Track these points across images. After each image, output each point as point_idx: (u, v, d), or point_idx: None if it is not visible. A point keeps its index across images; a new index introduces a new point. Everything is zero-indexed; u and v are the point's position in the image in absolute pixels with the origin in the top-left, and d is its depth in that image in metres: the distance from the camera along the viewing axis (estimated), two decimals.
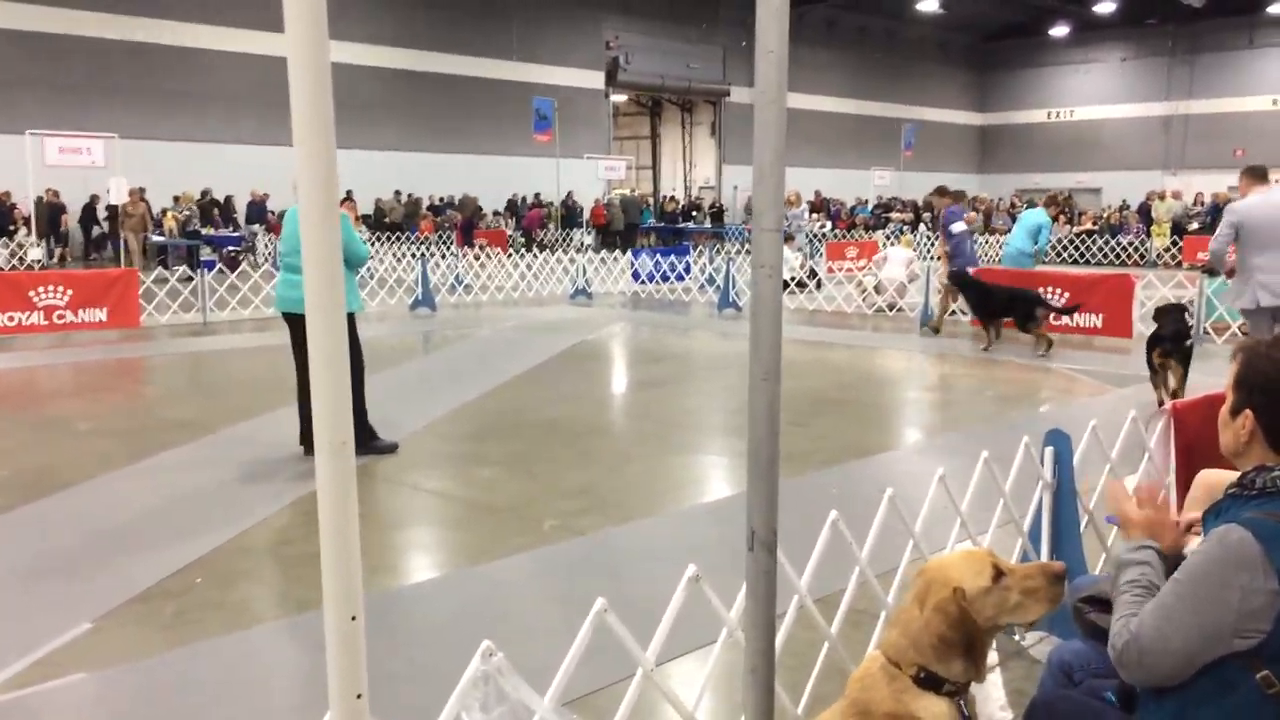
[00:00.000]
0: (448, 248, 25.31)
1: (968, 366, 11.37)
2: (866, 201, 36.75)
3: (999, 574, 2.28)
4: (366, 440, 6.93)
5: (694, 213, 37.04)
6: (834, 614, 3.44)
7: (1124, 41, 44.38)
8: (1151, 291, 13.71)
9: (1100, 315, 12.87)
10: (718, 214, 36.95)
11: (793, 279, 17.64)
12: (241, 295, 15.25)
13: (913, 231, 28.23)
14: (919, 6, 41.18)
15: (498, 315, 15.86)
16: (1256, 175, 7.98)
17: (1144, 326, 12.62)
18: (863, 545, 3.51)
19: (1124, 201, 34.99)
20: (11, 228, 23.35)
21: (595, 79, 37.17)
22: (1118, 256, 28.01)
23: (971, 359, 11.81)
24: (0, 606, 4.51)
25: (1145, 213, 31.24)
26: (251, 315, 15.03)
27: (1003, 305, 12.23)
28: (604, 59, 37.43)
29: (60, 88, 25.44)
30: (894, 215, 33.58)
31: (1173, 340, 8.68)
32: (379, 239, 26.94)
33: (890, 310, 15.76)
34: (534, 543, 5.37)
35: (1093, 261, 27.79)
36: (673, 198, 39.71)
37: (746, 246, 28.38)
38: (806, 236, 24.82)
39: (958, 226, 13.98)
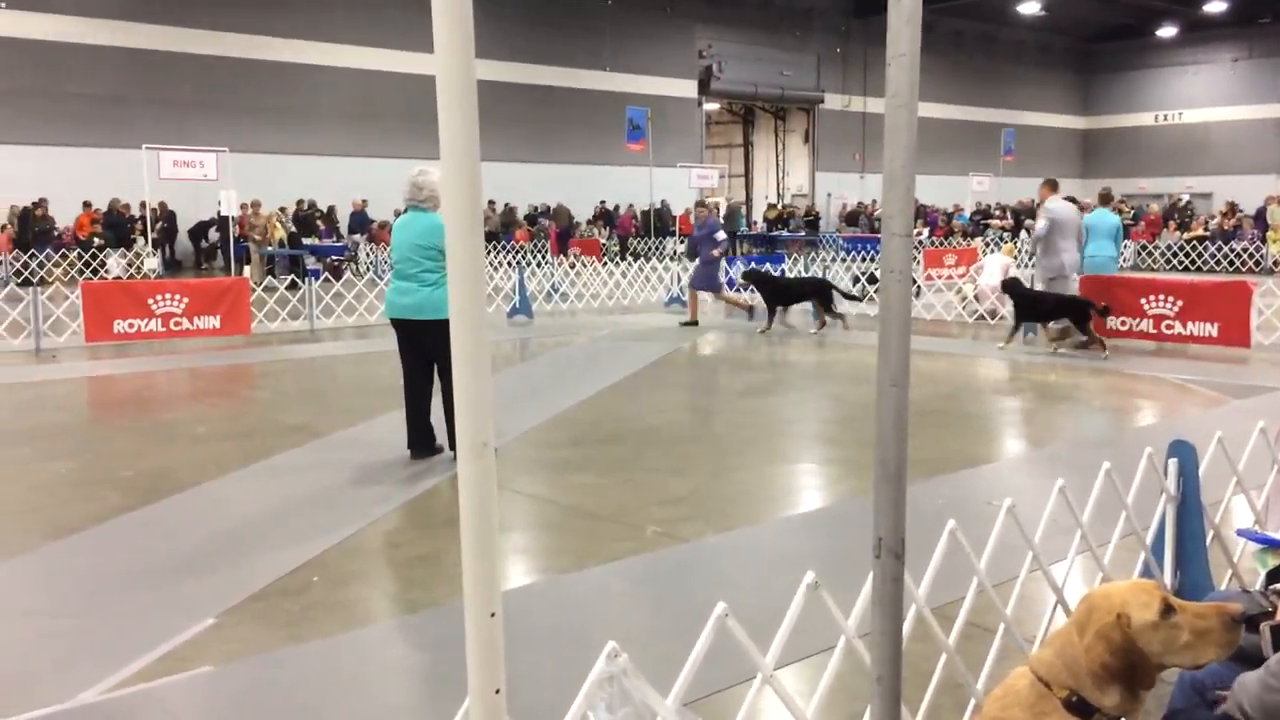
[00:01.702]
0: (543, 256, 25.61)
1: (1075, 376, 11.08)
2: (962, 209, 36.09)
3: (1168, 609, 2.17)
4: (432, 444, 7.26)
5: (789, 220, 36.80)
6: (947, 625, 3.38)
7: (1236, 41, 42.88)
8: (1270, 299, 13.19)
9: (1216, 324, 12.42)
10: (811, 221, 36.66)
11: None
12: (346, 303, 15.67)
13: (1013, 238, 27.62)
14: (1019, 9, 40.36)
15: (593, 323, 15.99)
16: None
17: (1263, 336, 12.17)
18: (978, 556, 3.45)
19: (1232, 205, 33.71)
20: (130, 239, 24.36)
21: (688, 88, 37.27)
22: (1231, 263, 27.05)
23: (1078, 368, 11.50)
24: (128, 601, 4.70)
25: (1261, 217, 30.07)
26: (355, 322, 15.42)
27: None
28: (697, 68, 37.51)
29: (174, 104, 26.48)
30: (993, 222, 32.88)
31: None
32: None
33: (991, 318, 15.45)
34: (636, 549, 5.40)
35: (1204, 269, 26.86)
36: (772, 205, 39.49)
37: (842, 254, 28.11)
38: None
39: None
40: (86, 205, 24.91)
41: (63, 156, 24.95)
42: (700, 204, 17.68)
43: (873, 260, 20.11)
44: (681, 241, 32.37)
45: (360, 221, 28.24)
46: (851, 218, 36.62)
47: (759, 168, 44.71)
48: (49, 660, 4.08)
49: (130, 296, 13.61)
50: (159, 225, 24.09)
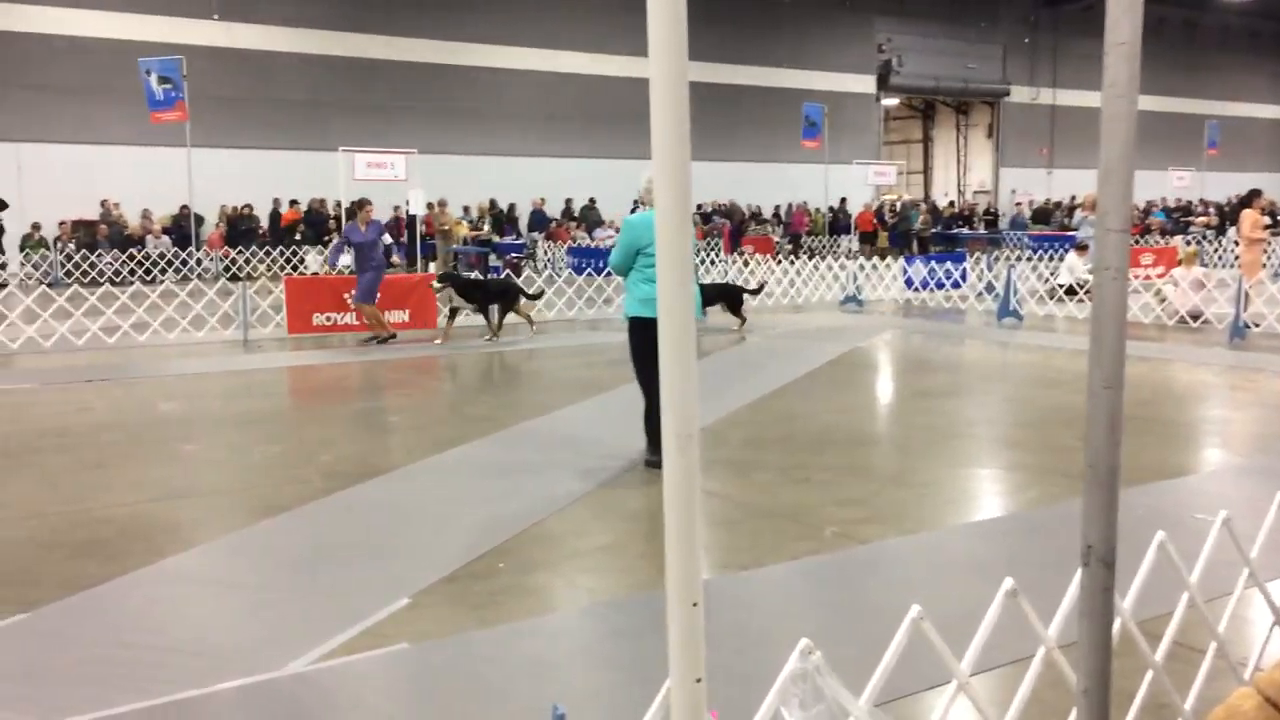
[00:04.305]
0: (716, 254, 25.65)
1: None
2: (1159, 205, 34.12)
3: None
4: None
5: (971, 218, 35.67)
6: (1151, 642, 3.22)
7: None
8: None
9: None
10: (993, 219, 35.41)
11: (1081, 285, 16.70)
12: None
13: (1218, 236, 25.94)
14: None
15: (766, 322, 15.91)
16: None
17: None
18: (1188, 570, 3.27)
19: None
20: (326, 238, 25.75)
21: (866, 83, 36.61)
22: None
23: None
24: (331, 578, 4.98)
25: None
26: (534, 318, 15.82)
27: None
28: (875, 62, 36.80)
29: (368, 108, 27.83)
30: (1196, 220, 30.94)
31: None
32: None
33: (1194, 321, 14.57)
34: (815, 549, 5.36)
35: None
36: (952, 203, 38.39)
37: (1027, 253, 27.07)
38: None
39: None
40: (293, 203, 26.54)
41: (267, 159, 26.62)
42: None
43: (1060, 259, 19.25)
44: (866, 240, 31.92)
45: (539, 220, 29.01)
46: (1040, 215, 35.15)
47: (938, 164, 43.51)
48: (262, 630, 4.37)
49: (328, 291, 14.39)
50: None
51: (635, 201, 24.11)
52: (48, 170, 24.56)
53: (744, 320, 14.98)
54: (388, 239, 14.48)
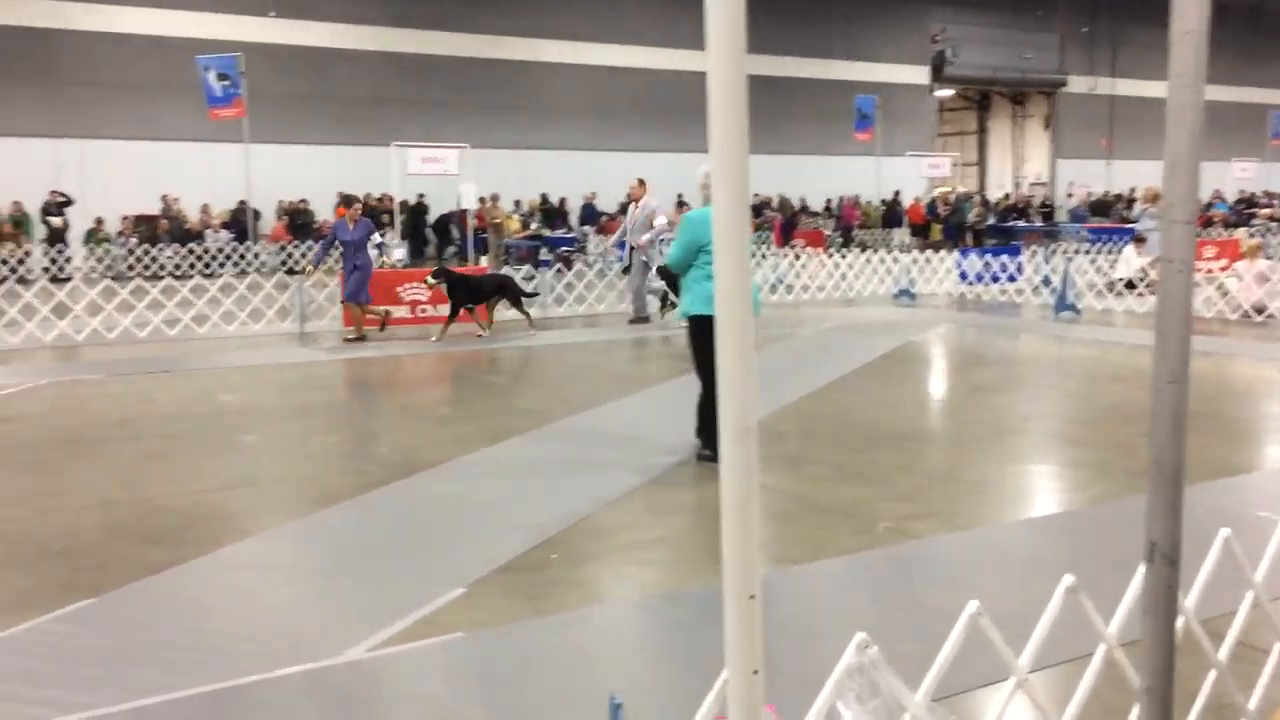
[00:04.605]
0: (766, 248, 25.54)
1: None
2: (1222, 197, 33.37)
3: None
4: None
5: (1026, 210, 35.14)
6: (1214, 641, 3.17)
7: None
8: None
9: None
10: (1050, 211, 34.87)
11: (1142, 279, 16.42)
12: (576, 293, 16.18)
13: None
14: None
15: (818, 316, 15.82)
16: None
17: None
18: (1252, 569, 3.21)
19: None
20: (380, 231, 26.05)
21: (919, 74, 36.21)
22: None
23: None
24: (388, 567, 5.05)
25: None
26: (585, 311, 15.90)
27: None
28: (929, 53, 36.37)
29: (422, 103, 28.08)
30: (1260, 212, 30.21)
31: None
32: None
33: (1258, 315, 14.25)
34: (869, 543, 5.33)
35: None
36: (1007, 195, 37.86)
37: (1084, 247, 26.63)
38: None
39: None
40: (348, 199, 26.83)
41: (324, 154, 26.96)
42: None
43: (1120, 253, 18.90)
44: (916, 233, 31.60)
45: (590, 214, 29.08)
46: (1099, 207, 34.53)
47: (993, 155, 42.92)
48: (320, 617, 4.45)
49: (381, 284, 14.54)
50: (407, 218, 25.62)
51: (678, 196, 24.12)
52: (111, 166, 25.09)
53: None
54: (377, 238, 14.12)
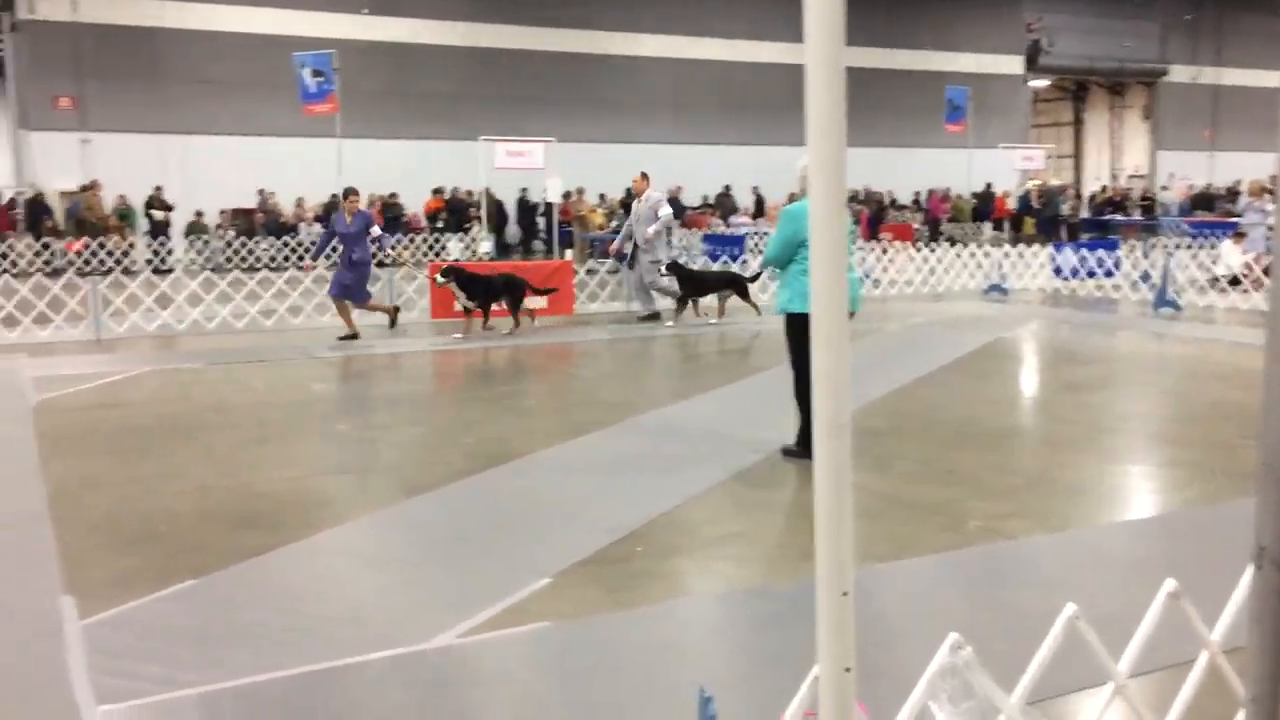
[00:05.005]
0: (853, 241, 25.24)
1: None
2: None
3: None
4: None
5: (1123, 204, 34.12)
6: None
7: None
8: None
9: None
10: (1150, 205, 33.79)
11: (1246, 275, 15.83)
12: None
13: None
14: None
15: (906, 310, 15.58)
16: None
17: None
18: None
19: None
20: (466, 225, 26.42)
21: (1013, 64, 35.39)
22: None
23: None
24: (475, 557, 5.12)
25: None
26: (667, 305, 15.87)
27: None
28: (1024, 42, 35.52)
29: (508, 97, 28.36)
30: None
31: None
32: None
33: None
34: (958, 542, 5.24)
35: None
36: (1104, 188, 36.82)
37: (1185, 240, 25.79)
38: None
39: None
40: (436, 192, 27.32)
41: (412, 148, 27.42)
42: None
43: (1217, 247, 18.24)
44: (998, 227, 30.93)
45: (675, 207, 29.04)
46: (1201, 200, 33.35)
47: (1090, 147, 41.76)
48: (409, 603, 4.53)
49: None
50: (493, 211, 25.93)
51: (754, 190, 23.61)
52: (210, 161, 25.86)
53: (757, 307, 14.26)
54: (376, 230, 13.44)
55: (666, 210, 14.32)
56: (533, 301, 13.79)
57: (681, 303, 14.25)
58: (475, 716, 3.53)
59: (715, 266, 17.30)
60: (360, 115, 24.65)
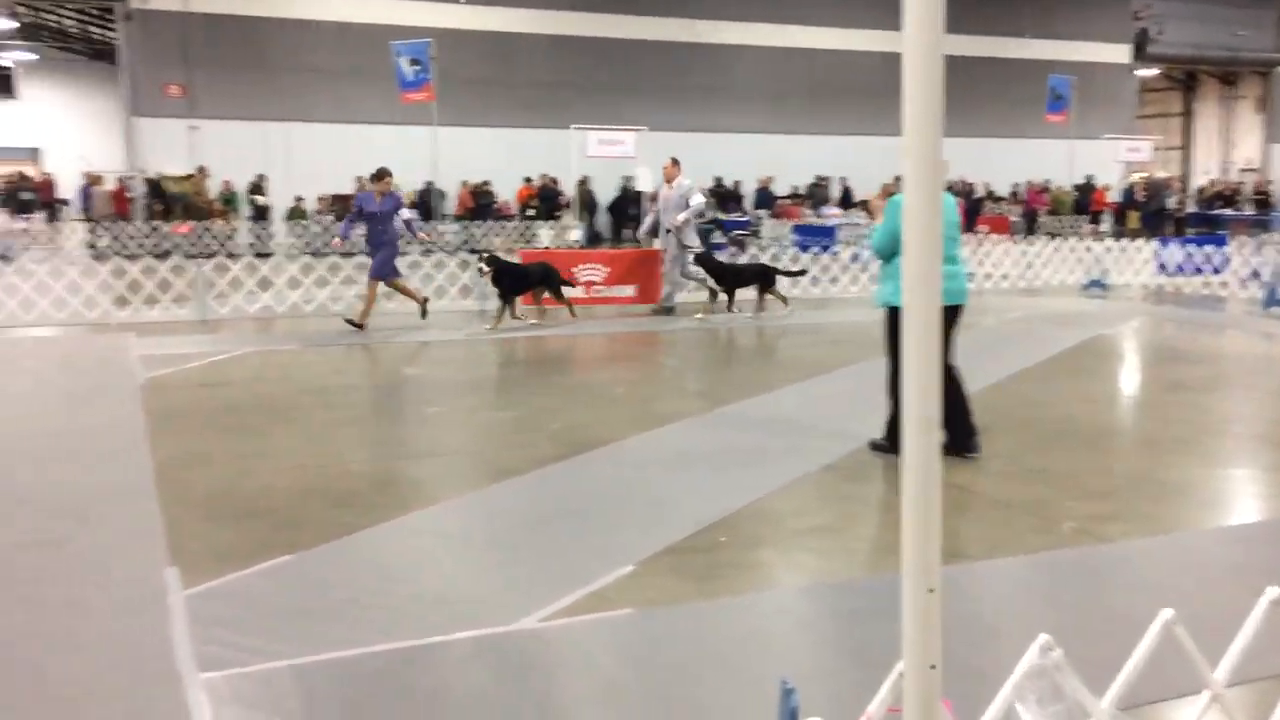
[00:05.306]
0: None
1: None
2: None
3: None
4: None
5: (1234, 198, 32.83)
6: None
7: None
8: None
9: None
10: (1264, 199, 32.46)
11: None
12: None
13: None
14: None
15: (1002, 305, 15.25)
16: None
17: None
18: None
19: None
20: (557, 213, 26.63)
21: (1119, 53, 34.29)
22: None
23: None
24: (559, 542, 5.17)
25: None
26: (755, 295, 15.80)
27: None
28: (1131, 30, 34.37)
29: (601, 86, 28.49)
30: None
31: None
32: None
33: None
34: (1052, 543, 5.12)
35: None
36: (1213, 181, 35.50)
37: None
38: None
39: None
40: (527, 180, 27.60)
41: (505, 137, 27.73)
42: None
43: None
44: (1094, 220, 30.01)
45: (765, 197, 28.88)
46: None
47: (1200, 139, 40.27)
48: (495, 586, 4.61)
49: (557, 265, 14.83)
50: (584, 200, 26.11)
51: (841, 180, 22.97)
52: (310, 147, 26.52)
53: (786, 301, 14.24)
54: (405, 214, 13.25)
55: (699, 199, 14.10)
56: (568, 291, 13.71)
57: (713, 295, 14.09)
58: (557, 700, 3.58)
59: (805, 259, 17.10)
60: (455, 104, 25.00)
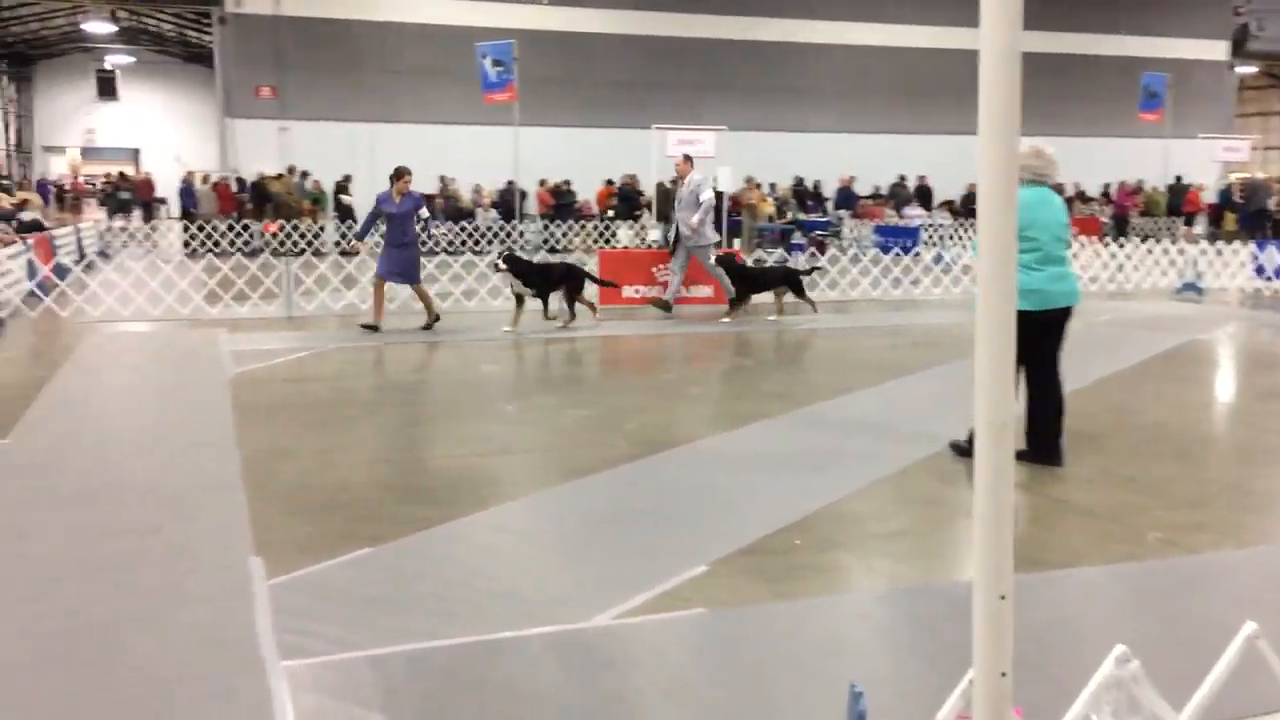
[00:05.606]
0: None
1: None
2: None
3: None
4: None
5: None
6: None
7: None
8: None
9: None
10: None
11: None
12: (829, 278, 15.97)
13: None
14: None
15: (1091, 308, 14.86)
16: None
17: None
18: None
19: None
20: (637, 213, 26.70)
21: (1216, 49, 33.23)
22: None
23: None
24: (633, 540, 5.20)
25: None
26: (836, 297, 15.68)
27: None
28: (1230, 26, 33.27)
29: (680, 86, 28.52)
30: None
31: None
32: (962, 225, 26.74)
33: None
34: (1134, 553, 4.99)
35: None
36: None
37: None
38: None
39: None
40: (608, 181, 27.74)
41: (585, 136, 27.91)
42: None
43: None
44: (1188, 222, 29.10)
45: (846, 198, 28.59)
46: None
47: None
48: (569, 582, 4.65)
49: (636, 265, 14.92)
50: (663, 199, 26.13)
51: (920, 180, 22.39)
52: (395, 148, 26.88)
53: (813, 304, 14.08)
54: (425, 213, 12.89)
55: (708, 195, 13.75)
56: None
57: (738, 299, 13.86)
58: (629, 697, 3.60)
59: (886, 259, 16.91)
60: (536, 104, 25.27)
